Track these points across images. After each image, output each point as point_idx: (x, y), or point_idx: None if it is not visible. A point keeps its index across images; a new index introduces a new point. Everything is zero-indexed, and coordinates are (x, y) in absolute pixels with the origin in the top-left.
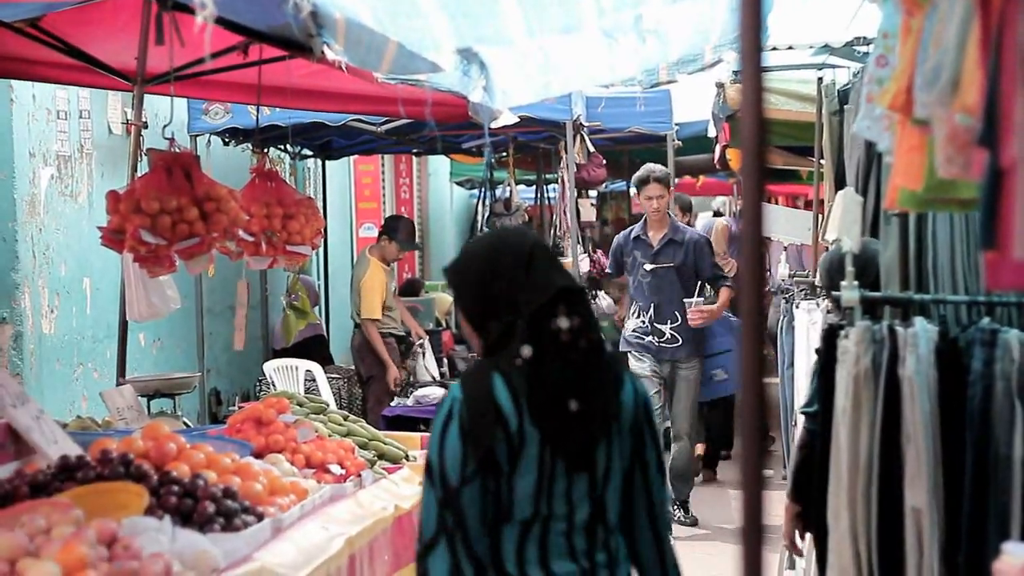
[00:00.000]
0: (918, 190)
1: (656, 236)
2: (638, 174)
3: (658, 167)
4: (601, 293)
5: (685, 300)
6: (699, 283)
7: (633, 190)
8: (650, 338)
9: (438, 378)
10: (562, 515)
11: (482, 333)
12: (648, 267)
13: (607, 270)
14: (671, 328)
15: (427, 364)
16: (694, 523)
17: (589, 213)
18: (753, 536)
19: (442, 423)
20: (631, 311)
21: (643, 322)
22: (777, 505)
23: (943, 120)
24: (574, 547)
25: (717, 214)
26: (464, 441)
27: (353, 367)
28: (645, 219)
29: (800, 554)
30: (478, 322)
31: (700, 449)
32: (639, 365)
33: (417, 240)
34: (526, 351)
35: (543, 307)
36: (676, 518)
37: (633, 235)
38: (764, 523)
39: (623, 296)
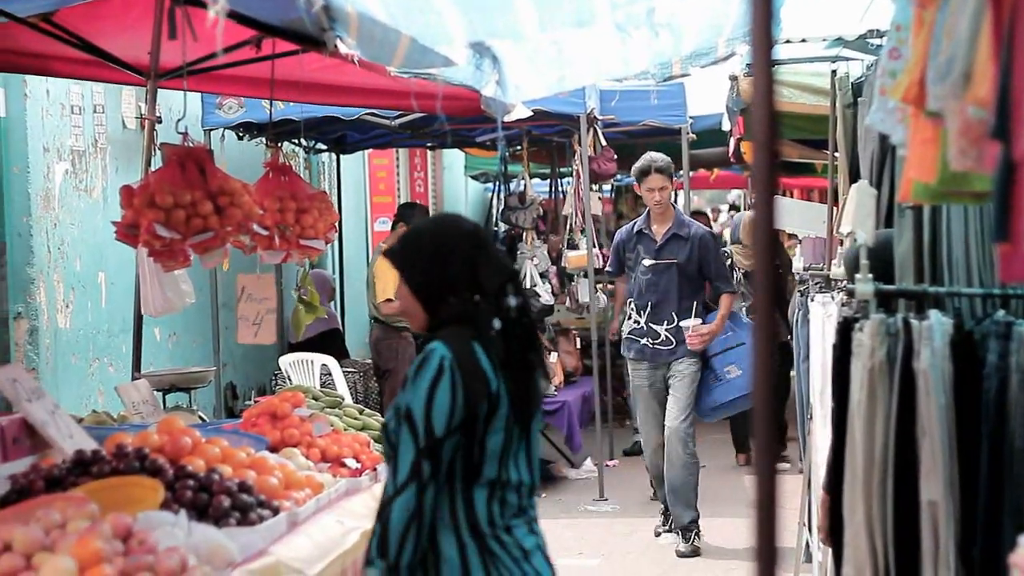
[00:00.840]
0: (932, 183)
1: (660, 230)
2: (638, 164)
3: (660, 156)
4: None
5: (681, 324)
6: (694, 302)
7: (634, 181)
8: (644, 340)
9: None
10: (516, 482)
11: (434, 308)
12: (648, 263)
13: (607, 268)
14: (666, 330)
15: None
16: (694, 553)
17: (598, 207)
18: (767, 528)
19: (432, 376)
20: (628, 309)
21: (638, 322)
22: (791, 498)
23: (956, 113)
24: (528, 514)
25: (733, 207)
26: (454, 395)
27: (369, 361)
28: (648, 212)
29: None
30: (432, 298)
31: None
32: (636, 375)
33: None
34: (497, 324)
35: (500, 286)
36: (676, 547)
37: (636, 229)
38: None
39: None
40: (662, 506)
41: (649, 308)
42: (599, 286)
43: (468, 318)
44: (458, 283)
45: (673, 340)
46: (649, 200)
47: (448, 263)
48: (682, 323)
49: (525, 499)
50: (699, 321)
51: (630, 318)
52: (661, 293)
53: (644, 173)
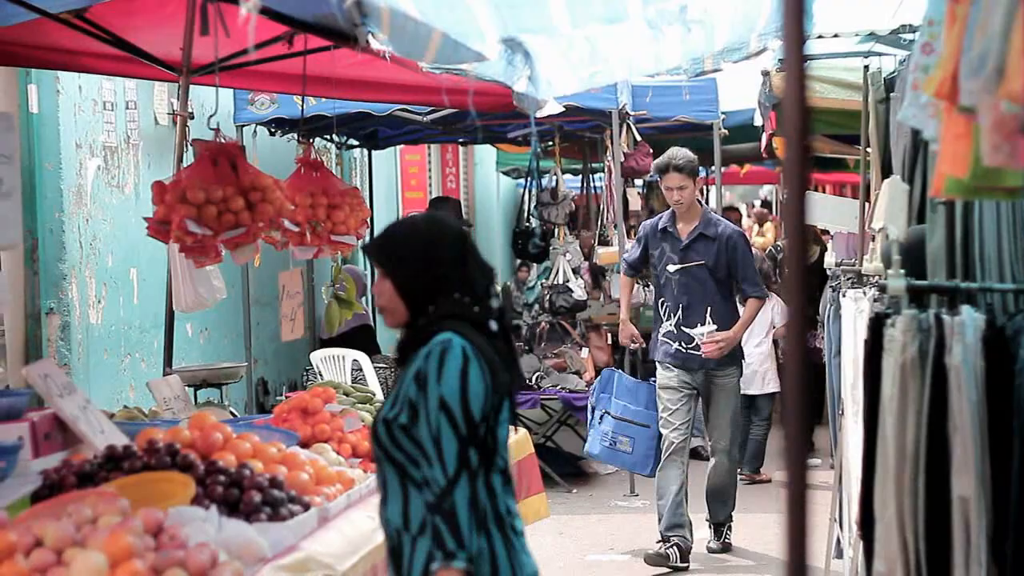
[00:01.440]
0: (964, 178)
1: (685, 229)
2: (657, 161)
3: (681, 153)
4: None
5: (693, 332)
6: (729, 305)
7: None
8: (677, 345)
9: None
10: (504, 468)
11: (419, 307)
12: (674, 266)
13: (625, 260)
14: (699, 334)
15: None
16: (726, 549)
17: (636, 203)
18: (797, 528)
19: (460, 365)
20: (661, 311)
21: (671, 326)
22: (822, 492)
23: (989, 108)
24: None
25: (764, 203)
26: (484, 380)
27: None
28: (673, 211)
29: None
30: (419, 297)
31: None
32: (665, 375)
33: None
34: (493, 325)
35: (485, 288)
36: (707, 544)
37: (660, 226)
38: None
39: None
40: (661, 520)
41: (681, 311)
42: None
43: (465, 317)
44: (448, 284)
45: None
46: (668, 199)
47: (439, 263)
48: (694, 331)
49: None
50: (714, 328)
51: (664, 319)
52: (692, 295)
53: (662, 171)
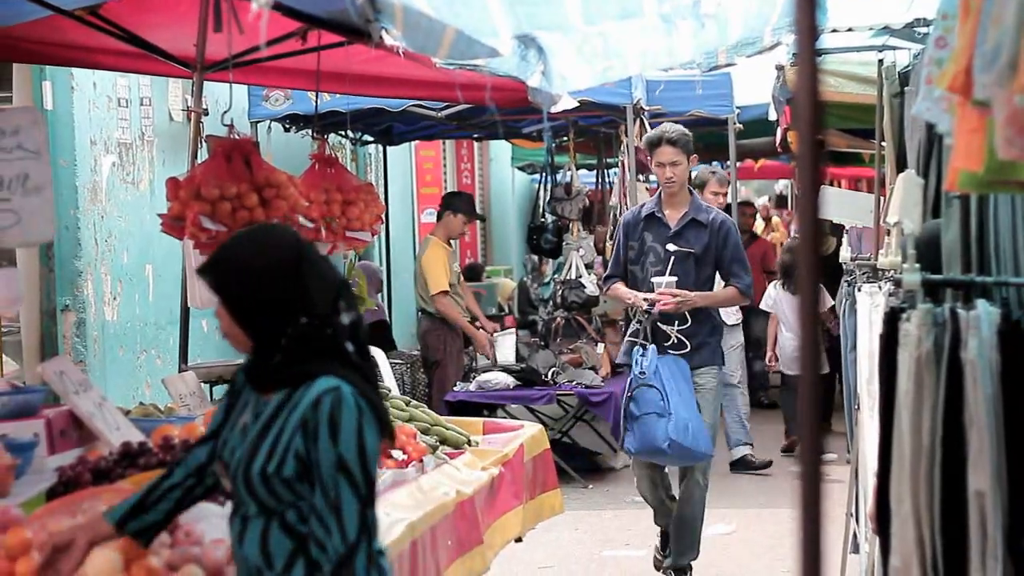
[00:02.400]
0: (979, 172)
1: (675, 214)
2: (649, 134)
3: (674, 127)
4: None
5: (653, 279)
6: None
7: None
8: (652, 344)
9: (514, 362)
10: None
11: (258, 332)
12: (659, 251)
13: (607, 273)
14: (678, 331)
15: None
16: None
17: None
18: (811, 520)
19: (356, 421)
20: (632, 309)
21: (640, 322)
22: (838, 487)
23: (1003, 101)
24: None
25: (780, 197)
26: (379, 435)
27: (416, 353)
28: (659, 195)
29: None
30: (256, 321)
31: (785, 441)
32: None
33: (479, 225)
34: (350, 347)
35: (332, 303)
36: None
37: (645, 212)
38: (822, 506)
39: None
40: (660, 532)
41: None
42: None
43: (316, 346)
44: (286, 306)
45: (687, 343)
46: (659, 177)
47: (271, 284)
48: (654, 278)
49: None
50: (675, 279)
51: (632, 319)
52: (676, 287)
53: (653, 144)
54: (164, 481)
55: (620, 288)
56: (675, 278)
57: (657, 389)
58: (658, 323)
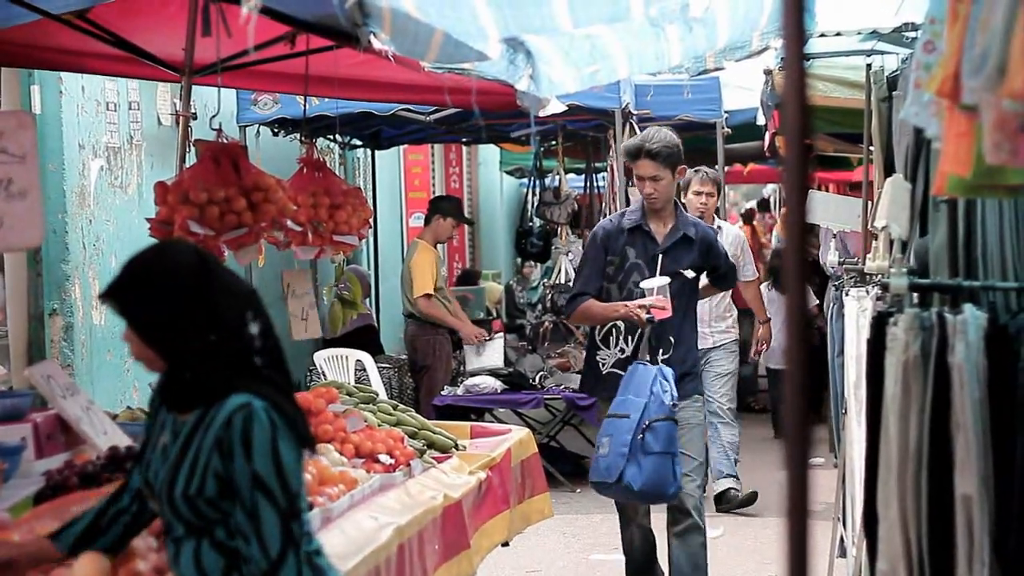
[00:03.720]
0: (966, 176)
1: (661, 229)
2: (628, 143)
3: (658, 135)
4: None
5: (643, 283)
6: (695, 318)
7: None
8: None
9: (501, 366)
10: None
11: (170, 352)
12: (646, 270)
13: (574, 290)
14: (663, 360)
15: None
16: None
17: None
18: (798, 522)
19: (269, 437)
20: (608, 335)
21: (622, 350)
22: (825, 492)
23: (991, 106)
24: None
25: (762, 202)
26: (298, 447)
27: (404, 357)
28: (642, 205)
29: None
30: (165, 341)
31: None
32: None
33: (467, 230)
34: (258, 361)
35: (239, 316)
36: None
37: (628, 225)
38: (809, 507)
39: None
40: None
41: (639, 332)
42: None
43: (226, 361)
44: (191, 320)
45: (675, 371)
46: (639, 190)
47: (174, 300)
48: (646, 283)
49: None
50: (667, 280)
51: (612, 343)
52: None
53: (632, 156)
54: (111, 506)
55: (595, 304)
56: (667, 279)
57: (673, 421)
58: (641, 352)
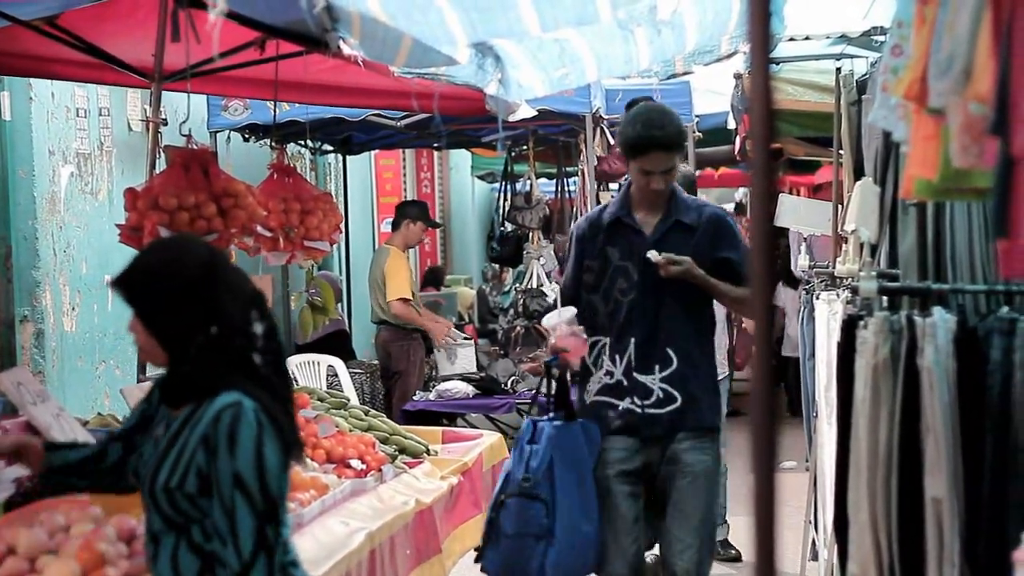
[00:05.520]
0: (934, 179)
1: (651, 218)
2: (629, 135)
3: (664, 119)
4: None
5: (544, 321)
6: (703, 330)
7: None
8: (627, 403)
9: (473, 371)
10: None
11: (174, 346)
12: (632, 274)
13: (561, 289)
14: (661, 380)
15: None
16: None
17: None
18: (767, 525)
19: (255, 436)
20: (594, 354)
21: (616, 376)
22: (797, 495)
23: (957, 109)
24: None
25: (739, 206)
26: (282, 449)
27: (376, 362)
28: (627, 192)
29: None
30: (171, 335)
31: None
32: (609, 455)
33: (439, 235)
34: (258, 359)
35: (244, 314)
36: None
37: (608, 218)
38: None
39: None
40: None
41: (633, 348)
42: None
43: (225, 358)
44: (197, 316)
45: (677, 396)
46: (640, 186)
47: (182, 295)
48: (545, 320)
49: None
50: (571, 312)
51: (598, 363)
52: (651, 323)
53: (637, 149)
54: (96, 463)
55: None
56: (572, 310)
57: (543, 501)
58: (635, 373)
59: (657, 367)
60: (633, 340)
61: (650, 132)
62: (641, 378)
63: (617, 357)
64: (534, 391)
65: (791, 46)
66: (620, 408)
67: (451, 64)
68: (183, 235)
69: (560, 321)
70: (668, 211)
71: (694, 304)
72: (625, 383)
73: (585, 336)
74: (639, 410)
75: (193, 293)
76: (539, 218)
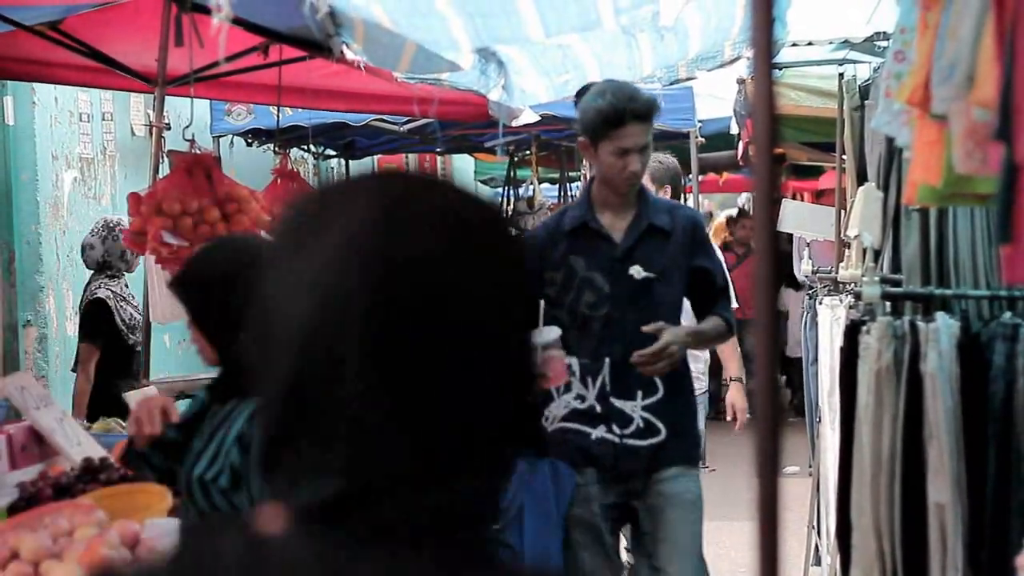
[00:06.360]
0: (937, 185)
1: (619, 222)
2: (597, 104)
3: (634, 91)
4: None
5: (540, 340)
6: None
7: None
8: (600, 431)
9: None
10: None
11: (223, 344)
12: (601, 286)
13: None
14: (644, 408)
15: None
16: None
17: None
18: (769, 531)
19: None
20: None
21: (583, 398)
22: (800, 500)
23: (960, 115)
24: None
25: (741, 212)
26: None
27: None
28: (588, 193)
29: None
30: (219, 333)
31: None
32: (579, 493)
33: None
34: None
35: None
36: None
37: (571, 223)
38: (780, 514)
39: None
40: None
41: (608, 369)
42: None
43: None
44: (242, 315)
45: (660, 428)
46: (612, 171)
47: (233, 294)
48: (540, 339)
49: None
50: (555, 334)
51: (567, 388)
52: (629, 341)
53: (611, 122)
54: None
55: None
56: (556, 331)
57: (510, 548)
58: (612, 398)
59: (640, 393)
60: (608, 360)
61: (624, 103)
62: (619, 404)
63: (589, 379)
64: (602, 379)
65: (794, 51)
66: (593, 437)
67: (454, 70)
68: (240, 235)
69: (539, 343)
70: (639, 213)
71: (670, 313)
72: (599, 408)
73: (567, 361)
74: (617, 440)
75: (239, 293)
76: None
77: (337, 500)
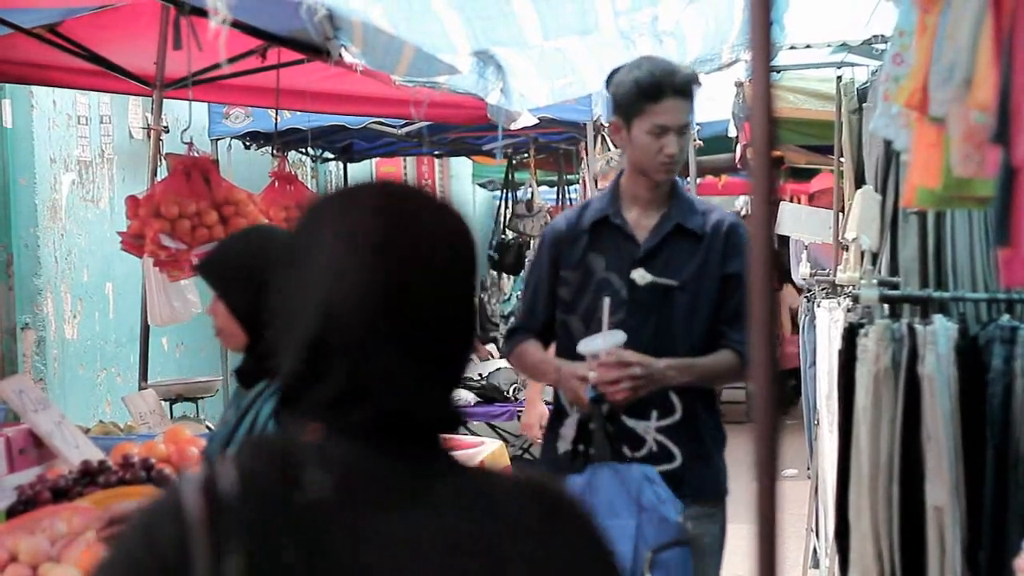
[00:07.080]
0: (936, 188)
1: (646, 220)
2: (636, 75)
3: (674, 64)
4: None
5: (580, 346)
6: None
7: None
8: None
9: (474, 378)
10: None
11: (257, 332)
12: (620, 289)
13: (511, 324)
14: (658, 430)
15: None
16: None
17: None
18: (768, 533)
19: None
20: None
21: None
22: (798, 503)
23: (958, 118)
24: None
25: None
26: None
27: None
28: (616, 186)
29: None
30: (255, 316)
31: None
32: None
33: None
34: None
35: None
36: None
37: (591, 218)
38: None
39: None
40: None
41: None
42: None
43: None
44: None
45: (676, 454)
46: (651, 155)
47: (268, 277)
48: (581, 345)
49: None
50: (621, 338)
51: (571, 408)
52: (645, 353)
53: (648, 95)
54: None
55: (531, 350)
56: (621, 336)
57: (686, 544)
58: (625, 416)
59: (655, 413)
60: None
61: (663, 75)
62: (631, 423)
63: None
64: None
65: (792, 54)
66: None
67: (453, 73)
68: (264, 225)
69: (605, 347)
70: (668, 212)
71: (696, 326)
72: (609, 428)
73: (625, 363)
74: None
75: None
76: (540, 226)
77: (337, 397)
